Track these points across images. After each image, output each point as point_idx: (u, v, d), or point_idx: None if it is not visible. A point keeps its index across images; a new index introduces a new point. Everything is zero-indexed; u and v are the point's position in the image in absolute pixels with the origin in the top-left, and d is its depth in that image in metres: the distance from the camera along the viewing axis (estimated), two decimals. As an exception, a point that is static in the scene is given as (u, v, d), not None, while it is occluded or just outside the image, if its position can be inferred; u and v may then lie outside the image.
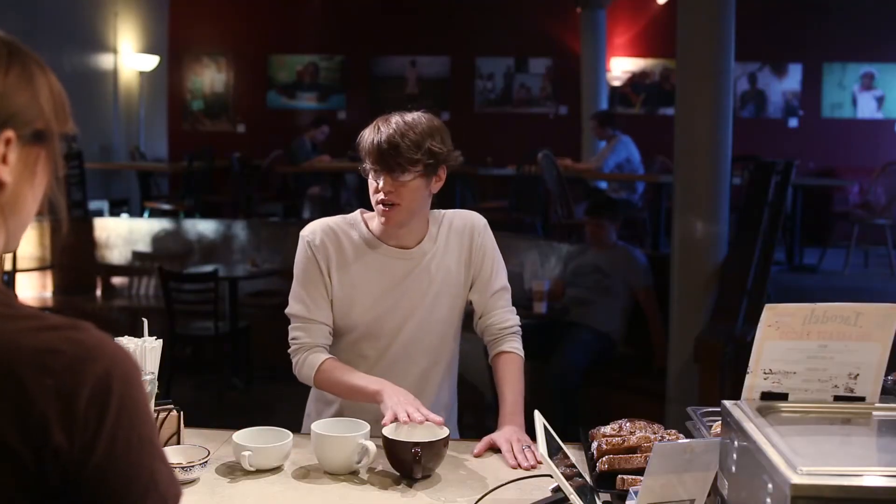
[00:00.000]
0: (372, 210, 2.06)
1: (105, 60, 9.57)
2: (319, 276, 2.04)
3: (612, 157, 7.55)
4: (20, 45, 0.95)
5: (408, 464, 1.72)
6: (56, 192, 0.98)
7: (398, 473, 1.77)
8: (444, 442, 1.76)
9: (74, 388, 0.84)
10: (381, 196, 1.98)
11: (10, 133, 0.91)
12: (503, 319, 2.14)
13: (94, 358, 0.86)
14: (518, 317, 2.18)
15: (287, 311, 2.07)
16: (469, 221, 2.14)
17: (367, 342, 2.08)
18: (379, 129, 1.97)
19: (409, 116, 1.99)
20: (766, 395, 1.37)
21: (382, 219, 2.01)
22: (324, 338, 2.05)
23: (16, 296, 0.92)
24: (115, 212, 9.03)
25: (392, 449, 1.75)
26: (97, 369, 0.85)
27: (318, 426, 1.84)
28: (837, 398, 1.37)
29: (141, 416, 0.88)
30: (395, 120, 1.98)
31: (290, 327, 2.06)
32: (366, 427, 1.83)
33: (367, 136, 1.98)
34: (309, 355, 2.03)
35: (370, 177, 2.00)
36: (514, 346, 2.14)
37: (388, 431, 1.78)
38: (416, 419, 1.80)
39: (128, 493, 0.86)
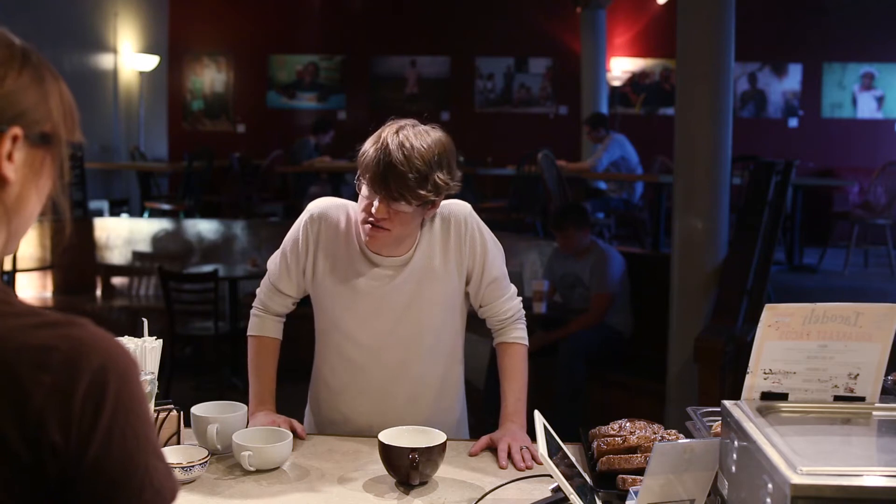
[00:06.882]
0: None
1: (105, 60, 9.56)
2: (300, 252, 2.01)
3: (606, 156, 7.55)
4: (36, 54, 0.96)
5: (404, 470, 1.70)
6: (60, 197, 0.99)
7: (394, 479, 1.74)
8: (441, 448, 1.73)
9: (71, 385, 0.84)
10: (370, 217, 1.87)
11: (17, 130, 0.92)
12: (502, 311, 2.05)
13: (90, 354, 0.86)
14: (520, 300, 2.09)
15: (268, 262, 2.11)
16: (449, 218, 1.99)
17: (354, 347, 2.03)
18: (386, 146, 1.81)
19: (418, 136, 1.83)
20: (766, 395, 1.37)
21: (366, 238, 1.91)
22: (284, 308, 2.13)
23: (14, 293, 0.92)
24: (115, 212, 9.03)
25: (388, 455, 1.72)
26: (93, 365, 0.85)
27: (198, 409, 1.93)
28: (837, 398, 1.37)
29: (137, 413, 0.88)
30: (403, 138, 1.82)
31: (262, 282, 2.13)
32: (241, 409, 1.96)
33: (370, 151, 1.84)
34: (263, 320, 2.14)
35: (363, 190, 1.88)
36: (515, 335, 2.06)
37: (385, 437, 1.74)
38: None
39: (123, 488, 0.87)
